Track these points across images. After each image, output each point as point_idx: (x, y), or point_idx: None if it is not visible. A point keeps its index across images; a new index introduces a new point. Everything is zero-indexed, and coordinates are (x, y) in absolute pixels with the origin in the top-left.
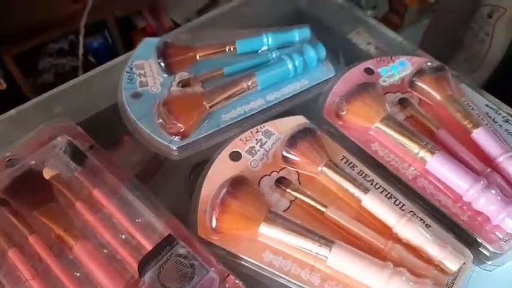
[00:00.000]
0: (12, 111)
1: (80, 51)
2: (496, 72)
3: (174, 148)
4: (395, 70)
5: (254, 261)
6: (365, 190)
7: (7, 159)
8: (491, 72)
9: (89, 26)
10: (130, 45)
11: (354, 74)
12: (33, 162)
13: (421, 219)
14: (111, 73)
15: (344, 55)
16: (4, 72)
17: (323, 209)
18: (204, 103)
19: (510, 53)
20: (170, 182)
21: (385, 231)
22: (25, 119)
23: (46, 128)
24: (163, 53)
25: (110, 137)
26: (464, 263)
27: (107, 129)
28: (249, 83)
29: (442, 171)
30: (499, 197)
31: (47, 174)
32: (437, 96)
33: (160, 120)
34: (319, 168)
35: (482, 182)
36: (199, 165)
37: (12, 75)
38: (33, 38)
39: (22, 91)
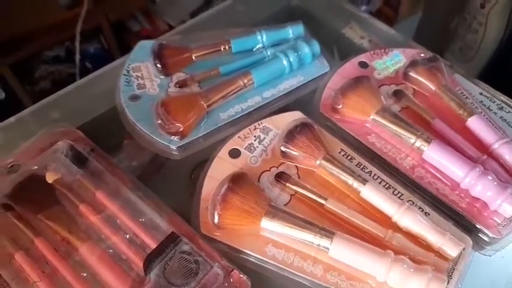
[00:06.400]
0: (12, 119)
1: (77, 57)
2: (491, 61)
3: (174, 148)
4: (389, 62)
5: (257, 256)
6: (364, 181)
7: (9, 165)
8: (486, 62)
9: (84, 32)
10: (126, 50)
11: (349, 68)
12: (35, 167)
13: (420, 208)
14: (107, 77)
15: (338, 50)
16: (1, 82)
17: (323, 202)
18: (202, 102)
19: (504, 42)
20: (171, 182)
21: (385, 220)
22: (24, 126)
23: (47, 134)
24: (159, 54)
25: (110, 140)
26: (463, 249)
27: (106, 133)
28: (245, 81)
29: (439, 160)
30: (496, 183)
31: (50, 178)
32: (431, 86)
33: (159, 121)
34: (317, 162)
35: (478, 169)
36: (200, 165)
37: (9, 84)
38: (28, 46)
39: (20, 100)
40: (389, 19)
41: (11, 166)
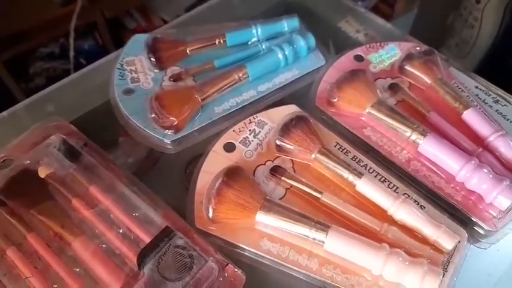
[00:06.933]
0: (4, 113)
1: (71, 54)
2: (487, 57)
3: (168, 142)
4: (385, 56)
5: (252, 250)
6: (359, 175)
7: (1, 159)
8: (482, 57)
9: (79, 28)
10: (120, 46)
11: (344, 62)
12: (27, 161)
13: (415, 201)
14: (101, 71)
15: (333, 44)
16: None
17: (318, 195)
18: (196, 96)
19: (499, 37)
20: (165, 177)
21: (380, 214)
22: (17, 120)
23: (39, 128)
24: (153, 47)
25: (104, 134)
26: (459, 242)
27: (100, 127)
28: (240, 75)
29: (434, 153)
30: (491, 176)
31: (42, 172)
32: (427, 79)
33: (153, 115)
34: (313, 156)
35: (473, 162)
36: (194, 160)
37: (3, 81)
38: (23, 42)
39: (15, 97)
40: (385, 16)
41: (3, 161)
